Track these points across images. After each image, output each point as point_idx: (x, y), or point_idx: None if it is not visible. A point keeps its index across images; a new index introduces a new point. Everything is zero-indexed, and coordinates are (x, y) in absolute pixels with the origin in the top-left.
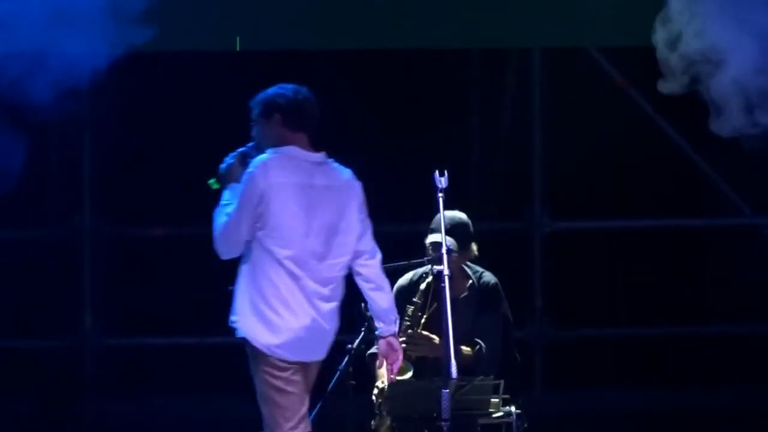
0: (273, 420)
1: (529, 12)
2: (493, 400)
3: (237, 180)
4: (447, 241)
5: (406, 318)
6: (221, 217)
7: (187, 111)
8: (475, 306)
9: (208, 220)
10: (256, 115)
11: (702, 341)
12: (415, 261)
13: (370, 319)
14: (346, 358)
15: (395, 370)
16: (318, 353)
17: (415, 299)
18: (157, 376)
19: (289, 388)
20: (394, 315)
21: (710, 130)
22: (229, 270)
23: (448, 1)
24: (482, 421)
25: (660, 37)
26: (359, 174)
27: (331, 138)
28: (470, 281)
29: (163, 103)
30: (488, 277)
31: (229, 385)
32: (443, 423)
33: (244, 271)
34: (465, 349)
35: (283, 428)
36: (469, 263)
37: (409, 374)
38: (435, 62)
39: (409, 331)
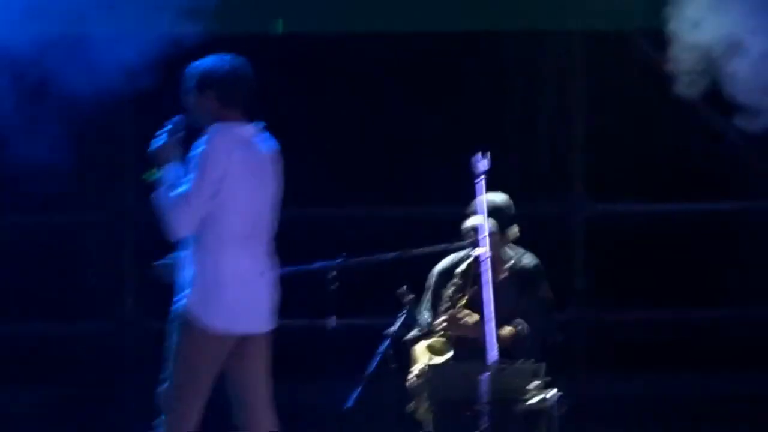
0: (184, 396)
1: None
2: (534, 383)
3: (174, 158)
4: (487, 224)
5: (446, 299)
6: (170, 197)
7: None
8: (516, 288)
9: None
10: (191, 87)
11: (745, 324)
12: (457, 244)
13: (411, 304)
14: (386, 343)
15: None
16: (262, 325)
17: (454, 281)
18: None
19: (215, 363)
20: None
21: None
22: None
23: None
24: (522, 405)
25: (678, 23)
26: (401, 156)
27: (376, 120)
28: (510, 263)
29: None
30: (529, 258)
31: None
32: (483, 407)
33: (192, 246)
34: (505, 331)
35: (192, 406)
36: (510, 245)
37: (448, 355)
38: (477, 46)
39: (450, 311)
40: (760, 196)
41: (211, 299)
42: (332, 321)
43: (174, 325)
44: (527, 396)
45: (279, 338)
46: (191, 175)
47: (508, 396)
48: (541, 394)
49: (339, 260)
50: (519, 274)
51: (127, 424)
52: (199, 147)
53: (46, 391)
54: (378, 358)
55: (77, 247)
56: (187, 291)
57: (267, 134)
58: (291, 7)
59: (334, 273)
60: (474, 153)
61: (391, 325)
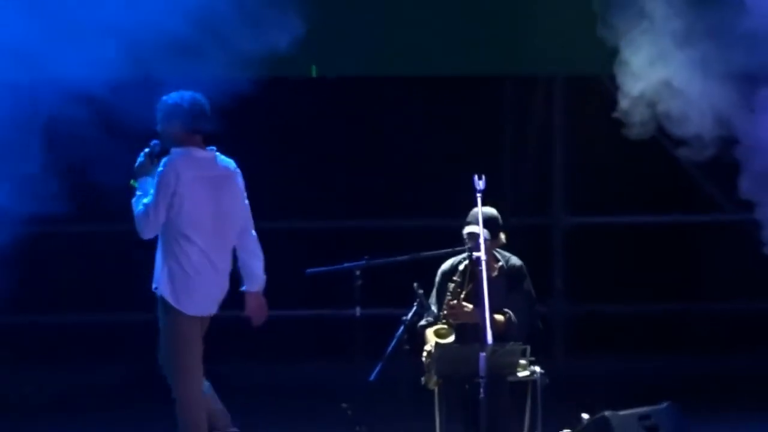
0: (183, 365)
1: (501, 44)
2: (521, 361)
3: (149, 173)
4: (483, 232)
5: (449, 294)
6: (139, 205)
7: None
8: (505, 284)
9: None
10: (160, 118)
11: (693, 316)
12: (458, 248)
13: (421, 297)
14: (402, 328)
15: (258, 322)
16: (214, 309)
17: (455, 278)
18: (230, 344)
19: (195, 337)
20: (263, 279)
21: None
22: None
23: (486, 32)
24: (512, 378)
25: (620, 67)
26: (418, 177)
27: (401, 148)
28: (500, 264)
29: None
30: (515, 260)
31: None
32: (480, 380)
33: (162, 247)
34: (497, 318)
35: (192, 370)
36: (499, 249)
37: (451, 338)
38: (477, 89)
39: (452, 303)
40: (708, 210)
41: (179, 289)
42: (357, 311)
43: (158, 309)
44: (516, 372)
45: (314, 325)
46: (152, 190)
47: (500, 372)
48: (526, 371)
49: (363, 262)
50: (508, 272)
51: None
52: (161, 167)
53: (99, 373)
54: (395, 341)
55: (125, 253)
56: (160, 282)
57: (222, 156)
58: (322, 56)
59: (359, 272)
60: (473, 175)
61: (406, 314)
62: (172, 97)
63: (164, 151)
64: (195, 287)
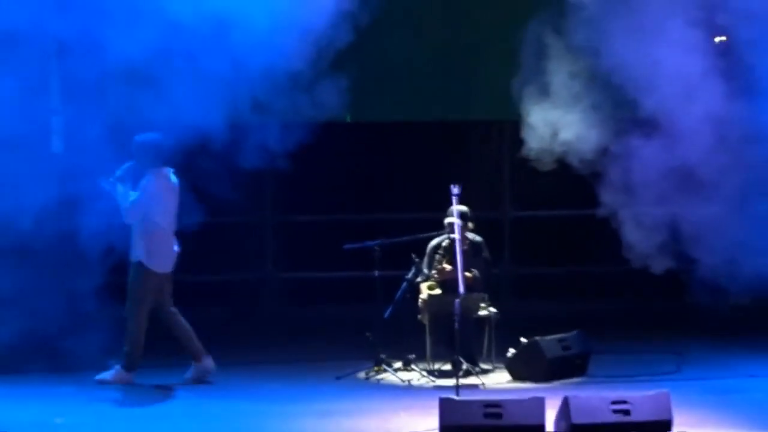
0: (144, 314)
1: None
2: (482, 305)
3: (123, 183)
4: (457, 221)
5: (436, 261)
6: (127, 202)
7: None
8: (471, 253)
9: None
10: (137, 151)
11: (595, 276)
12: (441, 232)
13: (417, 263)
14: (404, 284)
15: None
16: (173, 266)
17: (440, 251)
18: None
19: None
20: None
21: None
22: None
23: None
24: (476, 316)
25: (526, 114)
26: (419, 189)
27: (400, 174)
28: (468, 240)
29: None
30: (478, 238)
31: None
32: (456, 317)
33: (142, 227)
34: (467, 275)
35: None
36: (468, 232)
37: (438, 290)
38: (465, 132)
39: (438, 266)
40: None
41: (153, 253)
42: (376, 272)
43: (131, 270)
44: (479, 312)
45: (348, 284)
46: (139, 193)
47: (469, 311)
48: (486, 311)
49: (378, 241)
50: (473, 245)
51: (264, 332)
52: (144, 181)
53: (211, 314)
54: (400, 293)
55: (238, 236)
56: (137, 250)
57: (173, 172)
58: (354, 104)
59: (377, 248)
60: (451, 185)
61: (407, 274)
62: (145, 138)
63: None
64: (160, 250)
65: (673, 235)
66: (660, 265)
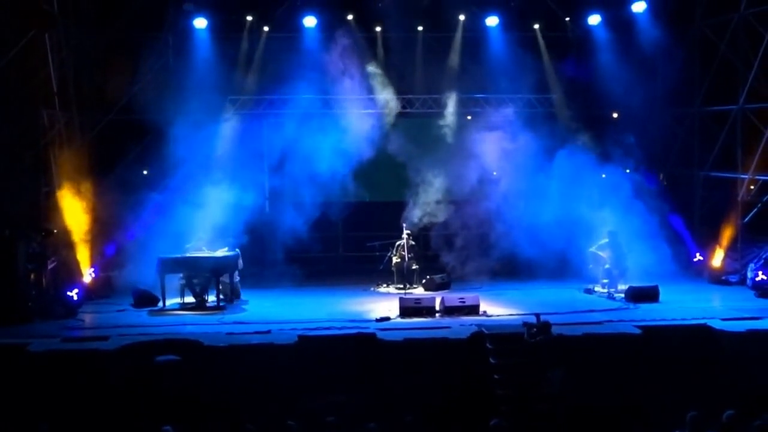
0: None
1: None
2: (414, 266)
3: None
4: (406, 233)
5: (399, 250)
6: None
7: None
8: (411, 247)
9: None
10: None
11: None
12: (402, 237)
13: (391, 249)
14: (387, 256)
15: None
16: None
17: (401, 245)
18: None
19: None
20: None
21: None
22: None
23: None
24: (412, 269)
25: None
26: (393, 227)
27: (384, 224)
28: (411, 243)
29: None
30: (412, 241)
31: None
32: (405, 270)
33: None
34: (409, 256)
35: None
36: (408, 239)
37: (398, 259)
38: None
39: (396, 253)
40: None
41: None
42: (377, 251)
43: None
44: (412, 267)
45: (358, 259)
46: None
47: (410, 267)
48: (415, 266)
49: (379, 242)
50: (412, 245)
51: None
52: None
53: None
54: (386, 260)
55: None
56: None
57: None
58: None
59: (378, 244)
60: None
61: (390, 253)
62: None
63: None
64: None
65: None
66: None
